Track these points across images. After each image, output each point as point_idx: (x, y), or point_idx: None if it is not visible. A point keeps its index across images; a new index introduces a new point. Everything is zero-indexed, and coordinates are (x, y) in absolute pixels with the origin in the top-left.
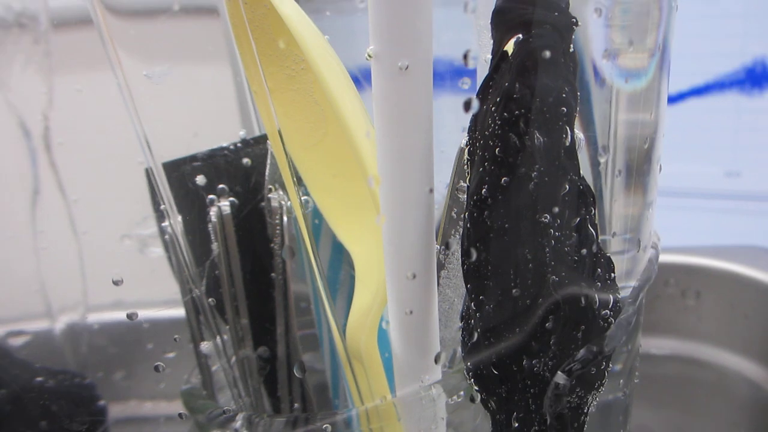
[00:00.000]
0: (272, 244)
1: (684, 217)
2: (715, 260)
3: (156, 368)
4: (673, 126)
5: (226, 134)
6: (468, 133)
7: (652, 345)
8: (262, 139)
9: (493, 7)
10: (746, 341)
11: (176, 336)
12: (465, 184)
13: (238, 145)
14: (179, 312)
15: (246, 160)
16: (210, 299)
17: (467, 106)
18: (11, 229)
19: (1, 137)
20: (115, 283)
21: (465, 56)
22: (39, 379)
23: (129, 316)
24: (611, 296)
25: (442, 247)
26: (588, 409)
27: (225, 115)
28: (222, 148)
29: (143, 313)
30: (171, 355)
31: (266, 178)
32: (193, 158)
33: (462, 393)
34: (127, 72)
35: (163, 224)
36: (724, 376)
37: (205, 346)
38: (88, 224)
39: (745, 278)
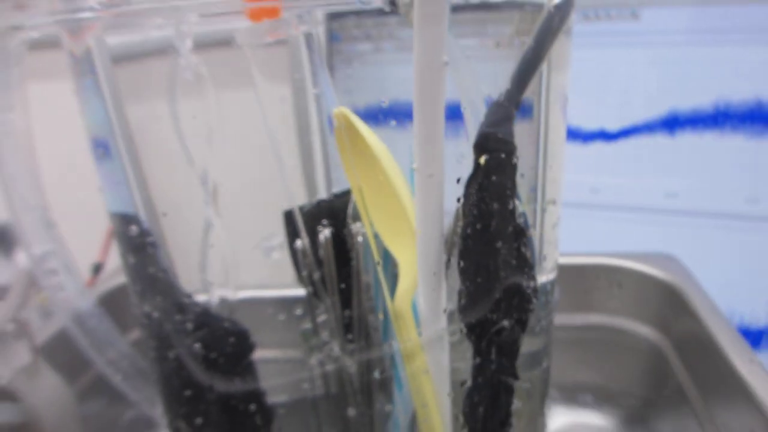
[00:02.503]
0: (351, 253)
1: (631, 228)
2: (632, 262)
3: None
4: (627, 156)
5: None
6: (462, 199)
7: (588, 319)
8: (346, 193)
9: (474, 140)
10: (649, 316)
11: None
12: (460, 224)
13: (332, 196)
14: (291, 292)
15: (337, 205)
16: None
17: (459, 200)
18: (190, 239)
19: (176, 166)
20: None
21: (458, 180)
22: (226, 324)
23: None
24: (532, 283)
25: (449, 256)
26: (520, 341)
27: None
28: (322, 199)
29: (261, 293)
30: (282, 317)
31: (349, 215)
32: (309, 204)
33: (457, 335)
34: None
35: (295, 243)
36: (634, 339)
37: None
38: (234, 237)
39: (650, 275)
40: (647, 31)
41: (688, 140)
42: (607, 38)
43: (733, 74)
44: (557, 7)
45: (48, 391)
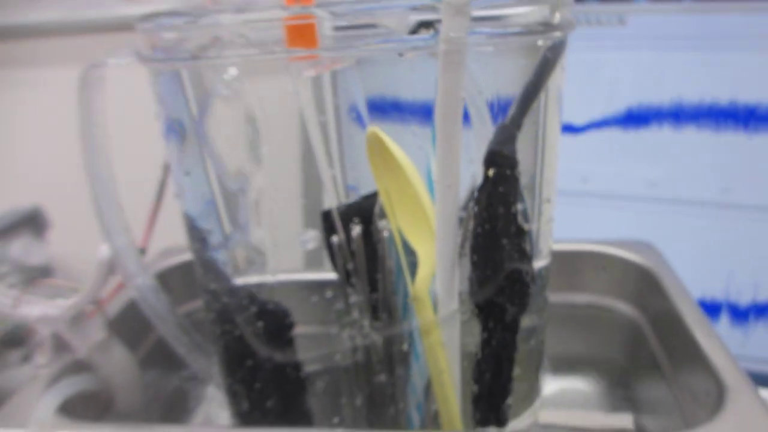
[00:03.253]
0: (378, 245)
1: (615, 215)
2: (614, 248)
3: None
4: (611, 149)
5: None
6: (473, 204)
7: (576, 298)
8: (373, 195)
9: (483, 157)
10: (629, 296)
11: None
12: (472, 224)
13: (361, 198)
14: (324, 275)
15: (365, 206)
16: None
17: (472, 206)
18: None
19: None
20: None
21: (472, 192)
22: (270, 306)
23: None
24: (529, 269)
25: (462, 249)
26: (520, 319)
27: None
28: (353, 202)
29: (297, 276)
30: (315, 298)
31: (376, 213)
32: (343, 205)
33: (468, 314)
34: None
35: (332, 238)
36: (616, 316)
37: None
38: (278, 234)
39: (630, 261)
40: (632, 36)
41: (667, 134)
42: (596, 41)
43: (710, 75)
44: (551, 48)
45: (118, 362)
